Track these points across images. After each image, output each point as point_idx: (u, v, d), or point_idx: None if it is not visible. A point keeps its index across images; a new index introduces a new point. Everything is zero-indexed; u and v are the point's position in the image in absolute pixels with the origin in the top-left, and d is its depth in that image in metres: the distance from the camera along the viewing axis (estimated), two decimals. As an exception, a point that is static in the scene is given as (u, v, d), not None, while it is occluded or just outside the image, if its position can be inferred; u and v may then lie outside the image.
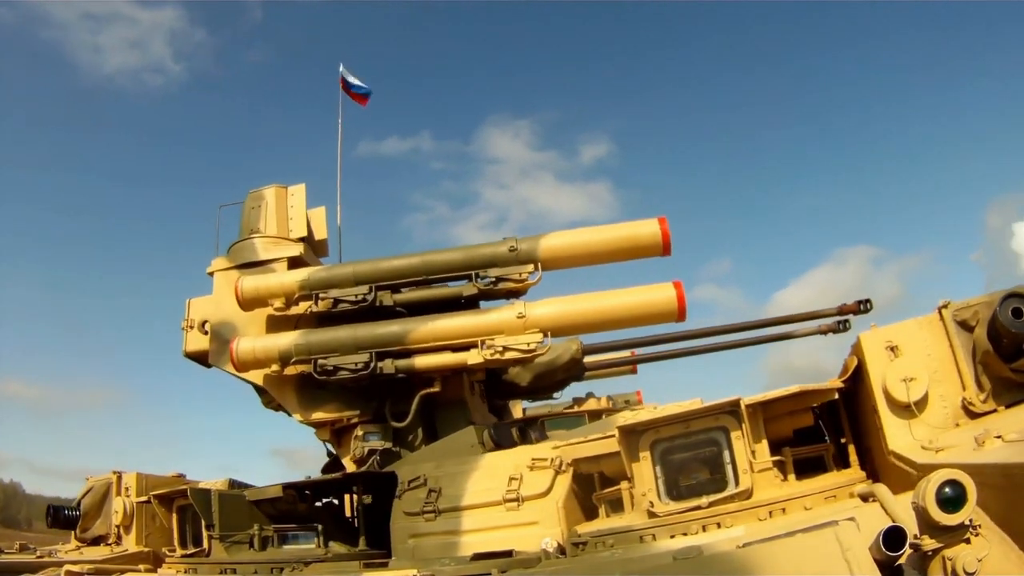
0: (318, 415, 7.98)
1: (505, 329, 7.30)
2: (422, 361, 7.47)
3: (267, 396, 8.43)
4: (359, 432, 7.74)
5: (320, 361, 7.49)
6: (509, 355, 7.27)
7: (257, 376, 7.99)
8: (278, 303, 7.90)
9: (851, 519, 3.77)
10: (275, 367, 7.70)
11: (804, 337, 10.62)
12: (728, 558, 3.87)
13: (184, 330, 8.55)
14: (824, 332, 10.42)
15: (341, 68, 10.95)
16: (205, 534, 6.45)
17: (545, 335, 7.26)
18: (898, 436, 4.71)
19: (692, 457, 4.87)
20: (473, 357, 7.34)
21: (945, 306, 4.87)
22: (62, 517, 9.48)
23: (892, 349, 4.87)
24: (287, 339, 7.67)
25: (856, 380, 5.16)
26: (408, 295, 7.84)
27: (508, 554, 4.94)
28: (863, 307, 10.08)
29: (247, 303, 7.98)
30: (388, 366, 7.45)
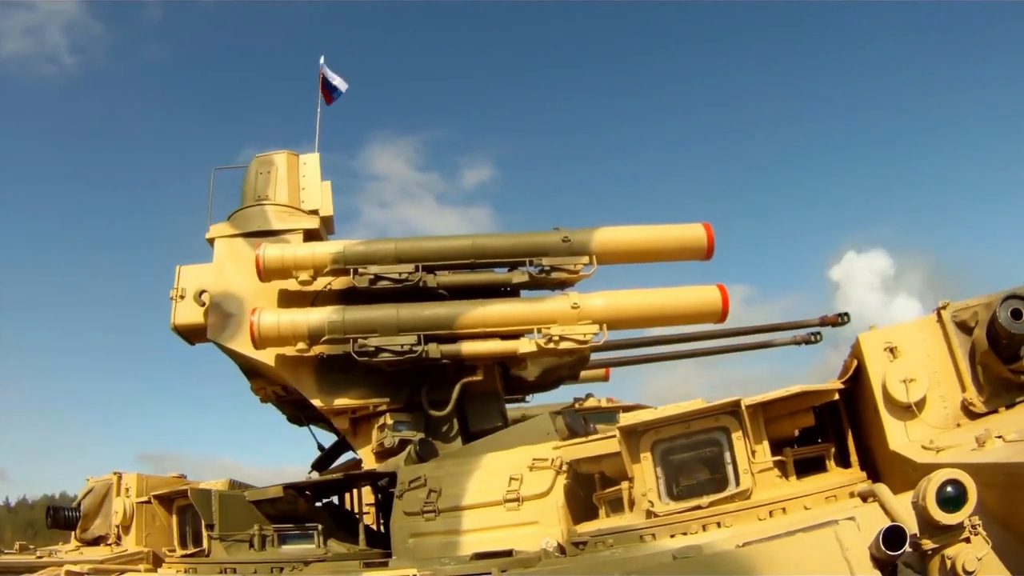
0: (341, 401, 7.47)
1: (558, 319, 7.14)
2: (469, 347, 7.19)
3: (262, 380, 7.97)
4: (388, 421, 7.32)
5: (360, 341, 7.01)
6: (565, 345, 7.11)
7: (268, 355, 7.42)
8: (304, 276, 7.34)
9: (851, 519, 3.78)
10: (301, 345, 7.14)
11: (780, 347, 10.89)
12: (728, 557, 3.88)
13: (173, 300, 7.88)
14: (799, 343, 10.73)
15: (322, 61, 10.08)
16: (205, 534, 6.44)
17: (600, 327, 7.16)
18: (898, 436, 4.72)
19: (693, 457, 4.86)
20: (525, 345, 7.15)
21: (944, 307, 4.89)
22: (62, 517, 9.48)
23: (891, 350, 4.89)
24: (319, 315, 7.17)
25: (856, 381, 5.17)
26: (452, 278, 7.50)
27: (508, 554, 4.94)
28: (842, 319, 10.36)
29: (268, 273, 7.39)
30: (433, 350, 7.07)
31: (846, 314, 10.39)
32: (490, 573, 4.61)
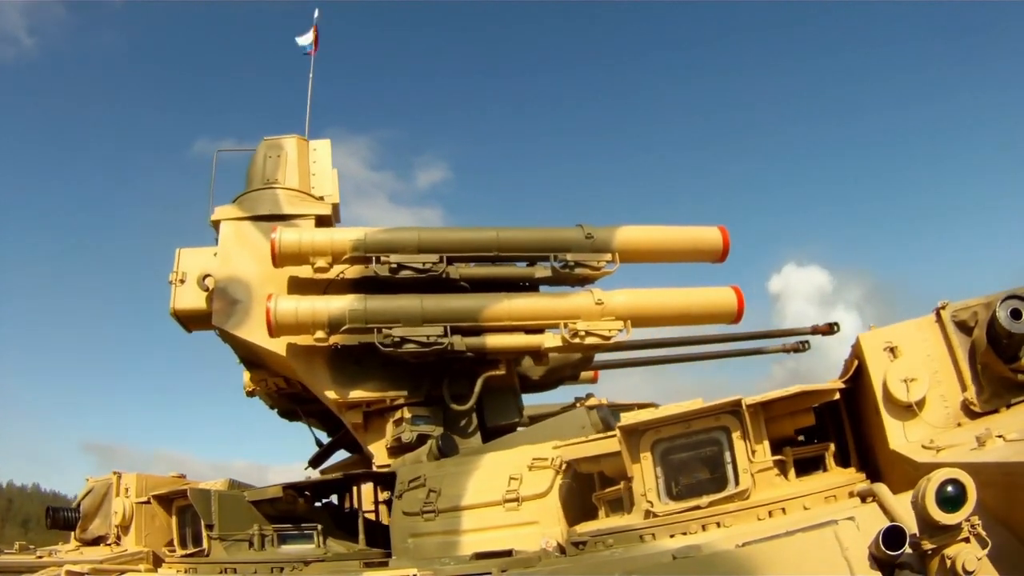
0: (356, 394, 7.23)
1: (582, 314, 7.14)
2: (494, 341, 7.09)
3: (264, 371, 7.77)
4: (406, 415, 7.13)
5: (385, 331, 6.81)
6: (590, 340, 7.12)
7: (279, 345, 7.16)
8: (321, 262, 7.09)
9: (851, 518, 3.78)
10: (320, 334, 6.88)
11: (771, 354, 10.94)
12: (728, 557, 3.87)
13: (172, 284, 7.56)
14: (788, 351, 10.80)
15: (316, 14, 9.82)
16: (205, 534, 6.43)
17: (624, 324, 7.18)
18: (898, 436, 4.72)
19: (692, 457, 4.86)
20: (550, 340, 7.12)
21: (943, 307, 4.89)
22: (62, 518, 9.49)
23: (891, 350, 4.88)
24: (339, 303, 6.96)
25: (857, 380, 5.17)
26: (475, 270, 7.38)
27: (508, 553, 4.94)
28: (833, 328, 10.43)
29: (283, 259, 7.11)
30: (458, 343, 6.93)
31: (836, 324, 10.47)
32: (490, 573, 4.61)
